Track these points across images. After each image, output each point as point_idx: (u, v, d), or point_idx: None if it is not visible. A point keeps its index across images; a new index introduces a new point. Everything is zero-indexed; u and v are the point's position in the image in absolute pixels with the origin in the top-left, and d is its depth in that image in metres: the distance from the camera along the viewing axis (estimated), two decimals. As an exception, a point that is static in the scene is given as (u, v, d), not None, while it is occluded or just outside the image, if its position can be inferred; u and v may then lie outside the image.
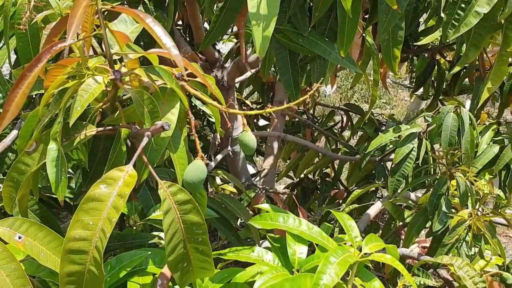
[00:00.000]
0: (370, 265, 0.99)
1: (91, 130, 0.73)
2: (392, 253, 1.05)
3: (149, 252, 0.87)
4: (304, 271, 0.92)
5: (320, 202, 2.43)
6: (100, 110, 0.82)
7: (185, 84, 0.83)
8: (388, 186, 1.69)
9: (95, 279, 0.63)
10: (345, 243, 1.05)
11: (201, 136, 2.44)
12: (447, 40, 1.21)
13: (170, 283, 0.84)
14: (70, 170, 1.03)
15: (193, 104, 2.23)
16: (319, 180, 2.50)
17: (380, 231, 1.87)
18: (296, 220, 1.00)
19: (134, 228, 1.14)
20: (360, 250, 0.97)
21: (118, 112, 0.79)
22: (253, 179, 2.20)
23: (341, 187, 2.38)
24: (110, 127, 0.75)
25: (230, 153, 1.86)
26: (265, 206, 1.07)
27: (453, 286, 1.36)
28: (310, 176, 2.61)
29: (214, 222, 1.47)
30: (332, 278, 0.85)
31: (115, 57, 0.80)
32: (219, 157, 1.87)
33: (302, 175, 2.59)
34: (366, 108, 4.49)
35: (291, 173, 2.81)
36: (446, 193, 1.49)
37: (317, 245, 0.99)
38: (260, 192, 2.00)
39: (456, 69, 1.38)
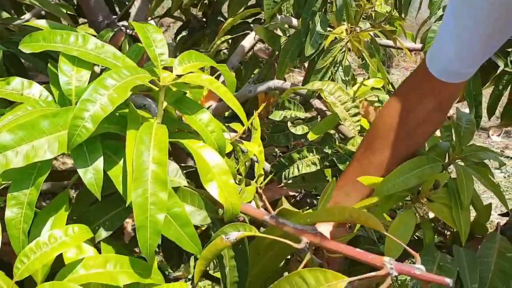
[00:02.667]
0: (188, 96, 0.75)
1: None
2: (226, 75, 0.81)
3: None
4: (83, 103, 0.66)
5: (210, 39, 2.12)
6: None
7: None
8: (264, 9, 1.41)
9: None
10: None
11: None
12: None
13: None
14: None
15: None
16: (205, 19, 2.17)
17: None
18: (80, 38, 0.70)
19: None
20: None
21: None
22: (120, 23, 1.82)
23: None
24: None
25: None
26: (39, 22, 0.75)
27: (326, 116, 1.17)
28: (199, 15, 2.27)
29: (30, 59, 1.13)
30: (103, 107, 0.59)
31: None
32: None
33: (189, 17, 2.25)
34: None
35: (178, 14, 2.45)
36: (323, 9, 1.23)
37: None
38: (120, 30, 1.66)
39: None
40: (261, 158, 1.02)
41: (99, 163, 0.61)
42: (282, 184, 1.21)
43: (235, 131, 1.10)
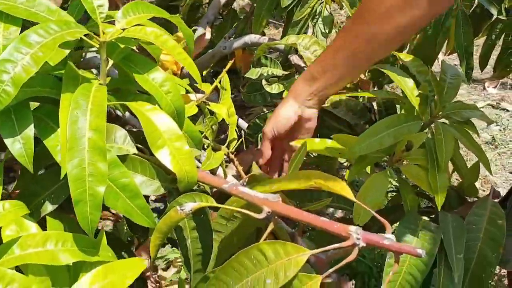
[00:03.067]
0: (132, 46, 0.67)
1: None
2: (182, 28, 0.73)
3: None
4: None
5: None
6: None
7: None
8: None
9: None
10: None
11: None
12: None
13: None
14: None
15: None
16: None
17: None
18: (11, -8, 0.62)
19: None
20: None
21: None
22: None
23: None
24: None
25: None
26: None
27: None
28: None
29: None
30: (26, 68, 0.52)
31: None
32: None
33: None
34: None
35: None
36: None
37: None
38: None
39: None
40: (232, 121, 0.94)
41: (29, 131, 0.55)
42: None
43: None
